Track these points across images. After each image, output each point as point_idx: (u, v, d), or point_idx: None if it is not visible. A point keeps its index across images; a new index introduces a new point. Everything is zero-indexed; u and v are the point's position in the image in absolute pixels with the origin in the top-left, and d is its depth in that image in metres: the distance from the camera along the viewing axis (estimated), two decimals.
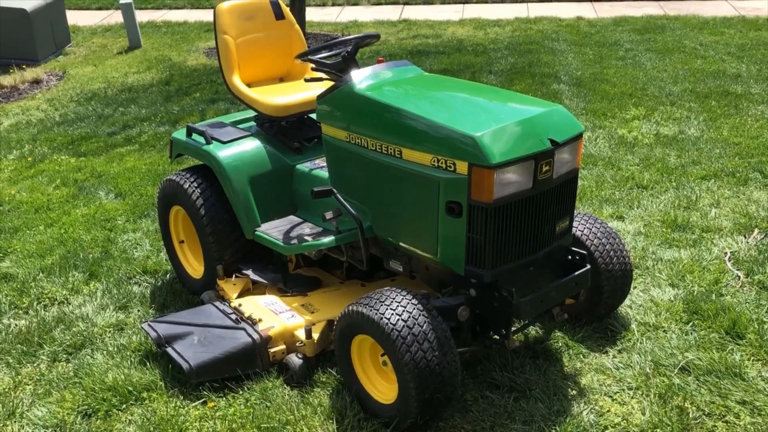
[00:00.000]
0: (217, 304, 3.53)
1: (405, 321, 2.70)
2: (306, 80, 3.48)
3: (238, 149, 3.66)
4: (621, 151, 5.71)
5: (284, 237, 3.45)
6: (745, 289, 3.75)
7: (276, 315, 3.36)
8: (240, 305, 3.47)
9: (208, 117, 6.84)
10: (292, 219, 3.65)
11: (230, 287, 3.68)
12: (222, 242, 3.68)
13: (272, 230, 3.54)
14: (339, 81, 3.23)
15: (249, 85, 3.89)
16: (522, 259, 2.88)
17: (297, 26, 4.13)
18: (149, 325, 3.42)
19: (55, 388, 3.28)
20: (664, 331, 3.43)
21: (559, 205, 2.93)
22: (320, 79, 3.42)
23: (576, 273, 3.04)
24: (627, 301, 3.61)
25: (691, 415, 2.88)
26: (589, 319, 3.43)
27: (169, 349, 3.26)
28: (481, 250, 2.77)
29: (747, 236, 4.29)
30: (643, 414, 2.92)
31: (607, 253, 3.28)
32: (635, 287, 3.77)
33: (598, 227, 3.36)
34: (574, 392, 3.07)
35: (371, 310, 2.76)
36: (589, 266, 3.08)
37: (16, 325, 3.85)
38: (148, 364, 3.35)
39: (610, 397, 3.04)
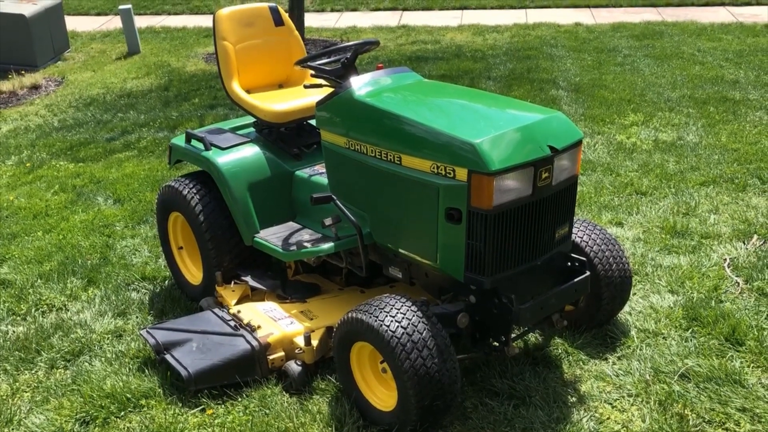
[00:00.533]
0: (216, 310, 3.53)
1: (404, 328, 2.69)
2: (305, 86, 3.48)
3: (237, 155, 3.66)
4: (620, 157, 5.71)
5: (283, 243, 3.44)
6: (744, 295, 3.75)
7: (275, 322, 3.35)
8: (239, 312, 3.46)
9: (207, 123, 6.84)
10: (291, 225, 3.64)
11: (229, 294, 3.67)
12: (221, 248, 3.68)
13: (271, 236, 3.53)
14: (338, 87, 3.23)
15: (248, 91, 3.89)
16: (522, 265, 2.87)
17: (296, 32, 4.13)
18: (148, 331, 3.41)
19: (53, 395, 3.27)
20: (663, 337, 3.43)
21: (559, 212, 2.93)
22: (319, 86, 3.42)
23: (575, 280, 3.03)
24: (626, 308, 3.61)
25: (691, 423, 2.87)
26: (588, 325, 3.43)
27: (168, 356, 3.25)
28: (481, 256, 2.77)
29: (746, 242, 4.29)
30: (643, 421, 2.91)
31: (606, 259, 3.28)
32: (635, 294, 3.77)
33: (597, 234, 3.36)
34: (574, 399, 3.06)
35: (370, 317, 2.75)
36: (588, 273, 3.08)
37: (13, 331, 3.83)
38: (146, 371, 3.34)
39: (610, 404, 3.03)
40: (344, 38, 10.58)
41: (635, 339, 3.41)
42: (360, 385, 2.97)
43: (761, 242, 4.28)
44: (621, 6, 12.03)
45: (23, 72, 9.40)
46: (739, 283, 3.84)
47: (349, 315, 2.86)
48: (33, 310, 4.03)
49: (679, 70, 8.14)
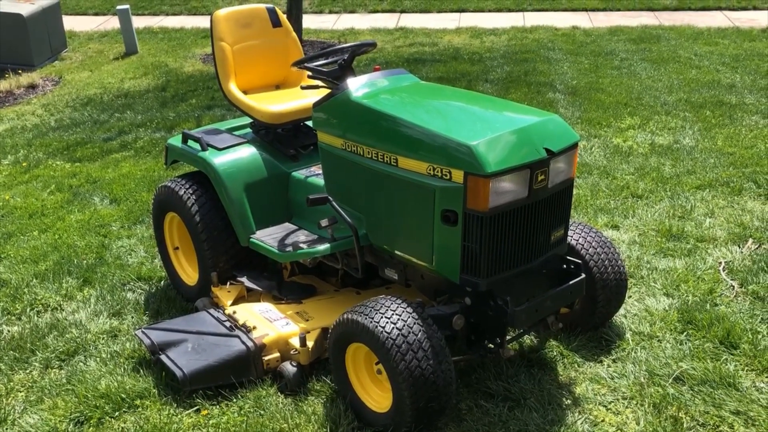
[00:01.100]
0: (212, 311, 3.52)
1: (400, 329, 2.69)
2: (302, 88, 3.48)
3: (234, 156, 3.66)
4: (616, 161, 5.73)
5: (279, 244, 3.44)
6: (739, 299, 3.76)
7: (270, 322, 3.35)
8: (234, 312, 3.45)
9: (203, 123, 6.84)
10: (288, 226, 3.64)
11: (225, 294, 3.67)
12: (217, 249, 3.67)
13: (267, 237, 3.53)
14: (335, 89, 3.24)
15: (245, 92, 3.89)
16: (517, 267, 2.88)
17: (293, 34, 4.14)
18: (143, 332, 3.41)
19: (48, 395, 3.26)
20: (658, 340, 3.43)
21: (555, 215, 2.94)
22: (316, 87, 3.43)
23: (571, 282, 3.04)
24: (622, 311, 3.61)
25: (685, 425, 2.88)
26: (583, 328, 3.43)
27: (163, 357, 3.24)
28: (477, 258, 2.77)
29: (741, 246, 4.30)
30: (638, 424, 2.92)
31: (602, 262, 3.29)
32: (630, 296, 3.78)
33: (593, 236, 3.36)
34: (569, 401, 3.07)
35: (366, 318, 2.75)
36: (584, 275, 3.09)
37: (8, 331, 3.83)
38: (141, 371, 3.34)
39: (605, 406, 3.04)
40: (342, 40, 10.59)
41: (630, 342, 3.42)
42: (355, 387, 2.97)
43: (756, 246, 4.29)
44: (618, 10, 12.06)
45: (20, 71, 9.39)
46: (734, 287, 3.85)
47: (345, 316, 2.86)
48: (28, 310, 4.02)
49: (675, 74, 8.16)
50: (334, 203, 3.26)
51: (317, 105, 3.31)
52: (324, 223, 3.24)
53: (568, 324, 3.43)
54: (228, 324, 3.37)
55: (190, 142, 3.83)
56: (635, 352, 3.34)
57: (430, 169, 2.82)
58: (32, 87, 9.08)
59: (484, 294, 2.86)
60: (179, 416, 3.05)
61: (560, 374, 3.23)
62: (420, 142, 2.85)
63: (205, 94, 8.31)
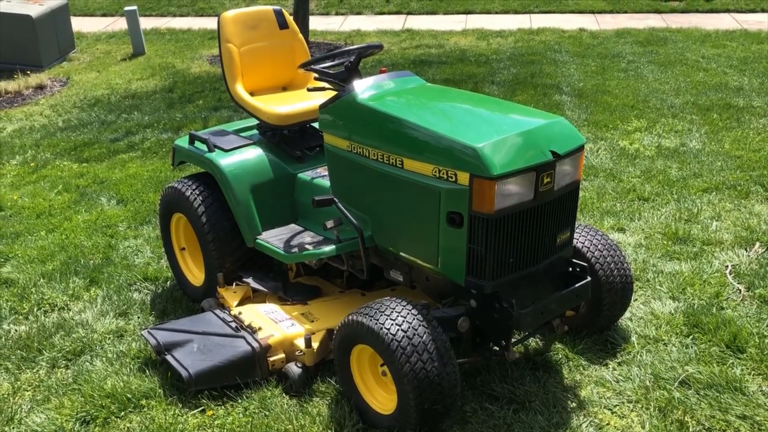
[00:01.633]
0: (217, 311, 3.53)
1: (405, 331, 2.69)
2: (308, 89, 3.49)
3: (240, 157, 3.67)
4: (622, 163, 5.71)
5: (285, 245, 3.45)
6: (746, 302, 3.75)
7: (276, 323, 3.36)
8: (240, 313, 3.46)
9: (210, 125, 6.86)
10: (293, 227, 3.65)
11: (230, 295, 3.68)
12: (223, 250, 3.69)
13: (273, 238, 3.54)
14: (341, 91, 3.24)
15: (252, 94, 3.90)
16: (522, 270, 2.88)
17: (300, 35, 4.15)
18: (149, 332, 3.42)
19: (54, 394, 3.27)
20: (664, 344, 3.42)
21: (560, 217, 2.94)
22: (323, 89, 3.43)
23: (576, 285, 3.03)
24: (627, 314, 3.60)
25: (691, 429, 2.87)
26: (589, 331, 3.43)
27: (169, 357, 3.25)
28: (482, 261, 2.77)
29: (748, 250, 4.28)
30: (643, 427, 2.91)
31: (607, 265, 3.28)
32: (636, 300, 3.77)
33: (599, 239, 3.36)
34: (574, 405, 3.06)
35: (371, 320, 2.75)
36: (589, 278, 3.08)
37: (15, 330, 3.85)
38: (147, 371, 3.35)
39: (610, 409, 3.03)
40: (348, 42, 10.60)
41: (636, 345, 3.41)
42: (360, 388, 2.98)
43: (763, 249, 4.27)
44: (625, 12, 12.03)
45: (29, 72, 9.44)
46: (740, 291, 3.84)
47: (350, 318, 2.86)
48: (35, 310, 4.04)
49: (682, 77, 8.14)
50: (339, 205, 3.26)
51: (323, 107, 3.32)
52: (329, 224, 3.25)
53: (574, 327, 3.42)
54: (234, 325, 3.38)
55: (197, 143, 3.85)
56: (641, 356, 3.33)
57: (435, 171, 2.82)
58: (40, 88, 9.13)
59: (490, 296, 2.86)
60: (184, 416, 3.06)
61: (565, 377, 3.23)
62: (425, 144, 2.85)
63: (212, 95, 8.33)
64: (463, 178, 2.72)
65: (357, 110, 3.15)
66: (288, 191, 3.71)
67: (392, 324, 2.71)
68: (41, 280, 4.36)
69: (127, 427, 3.04)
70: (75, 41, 10.97)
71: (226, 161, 3.64)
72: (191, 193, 3.74)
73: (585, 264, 3.13)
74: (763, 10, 11.68)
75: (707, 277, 3.98)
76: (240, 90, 3.87)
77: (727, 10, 11.80)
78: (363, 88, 3.19)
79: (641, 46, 9.72)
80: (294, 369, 3.18)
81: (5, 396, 3.31)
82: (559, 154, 2.78)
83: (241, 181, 3.60)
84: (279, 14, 4.07)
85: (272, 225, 3.65)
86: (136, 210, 5.33)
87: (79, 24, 12.21)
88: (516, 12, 12.39)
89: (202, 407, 3.11)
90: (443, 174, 2.79)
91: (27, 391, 3.36)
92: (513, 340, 2.99)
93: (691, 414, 2.95)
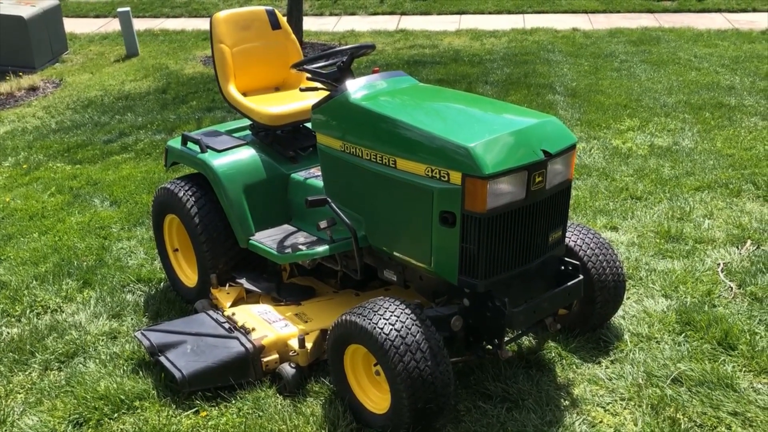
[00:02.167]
0: (211, 312, 3.53)
1: (398, 331, 2.70)
2: (301, 90, 3.49)
3: (233, 158, 3.67)
4: (615, 162, 5.73)
5: (278, 246, 3.45)
6: (737, 300, 3.77)
7: (269, 324, 3.36)
8: (233, 314, 3.46)
9: (204, 125, 6.86)
10: (287, 228, 3.65)
11: (224, 296, 3.68)
12: (216, 251, 3.68)
13: (266, 239, 3.54)
14: (334, 91, 3.24)
15: (245, 94, 3.90)
16: (515, 269, 2.88)
17: (293, 36, 4.15)
18: (142, 333, 3.42)
19: (47, 396, 3.27)
20: (656, 341, 3.44)
21: (552, 216, 2.95)
22: (315, 89, 3.44)
23: (569, 283, 3.04)
24: (620, 312, 3.62)
25: (683, 426, 2.88)
26: (582, 329, 3.44)
27: (162, 358, 3.25)
28: (475, 260, 2.78)
29: (740, 247, 4.31)
30: (636, 425, 2.92)
31: (600, 263, 3.29)
32: (628, 298, 3.78)
33: (591, 238, 3.37)
34: (567, 403, 3.07)
35: (364, 320, 2.76)
36: (582, 277, 3.09)
37: (8, 332, 3.83)
38: (140, 372, 3.34)
39: (603, 407, 3.04)
40: (342, 42, 10.61)
41: (628, 343, 3.42)
42: (353, 388, 2.98)
43: (755, 247, 4.30)
44: (618, 12, 12.07)
45: (21, 73, 9.41)
46: (732, 288, 3.85)
47: (343, 317, 2.86)
48: (28, 312, 4.03)
49: (675, 76, 8.17)
50: (332, 205, 3.26)
51: (316, 107, 3.32)
52: (323, 224, 3.25)
53: (567, 325, 3.43)
54: (227, 325, 3.38)
55: (190, 144, 3.84)
56: (633, 354, 3.34)
57: (428, 171, 2.83)
58: (33, 89, 9.10)
59: (483, 295, 2.87)
60: (178, 417, 3.06)
61: (558, 375, 3.24)
62: (418, 144, 2.86)
63: (206, 96, 8.32)
64: (456, 177, 2.72)
65: (350, 110, 3.15)
66: (281, 192, 3.71)
67: (385, 323, 2.72)
68: (34, 282, 4.34)
69: (121, 429, 3.03)
70: (68, 42, 10.94)
71: (218, 162, 3.64)
72: (184, 194, 3.73)
73: (577, 262, 3.14)
74: (754, 10, 11.74)
75: (699, 275, 3.99)
76: (232, 90, 3.86)
77: (719, 10, 11.85)
78: (356, 88, 3.19)
79: (634, 45, 9.75)
80: (288, 369, 3.18)
81: None
82: (550, 153, 2.78)
83: (234, 181, 3.60)
84: (271, 14, 4.07)
85: (265, 226, 3.64)
86: (130, 211, 5.32)
87: (72, 25, 12.17)
88: (509, 12, 12.41)
89: (196, 408, 3.11)
90: (436, 173, 2.80)
91: (19, 393, 3.35)
92: (506, 338, 3.00)
93: (683, 411, 2.97)
